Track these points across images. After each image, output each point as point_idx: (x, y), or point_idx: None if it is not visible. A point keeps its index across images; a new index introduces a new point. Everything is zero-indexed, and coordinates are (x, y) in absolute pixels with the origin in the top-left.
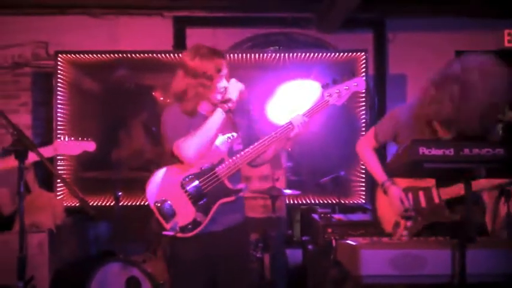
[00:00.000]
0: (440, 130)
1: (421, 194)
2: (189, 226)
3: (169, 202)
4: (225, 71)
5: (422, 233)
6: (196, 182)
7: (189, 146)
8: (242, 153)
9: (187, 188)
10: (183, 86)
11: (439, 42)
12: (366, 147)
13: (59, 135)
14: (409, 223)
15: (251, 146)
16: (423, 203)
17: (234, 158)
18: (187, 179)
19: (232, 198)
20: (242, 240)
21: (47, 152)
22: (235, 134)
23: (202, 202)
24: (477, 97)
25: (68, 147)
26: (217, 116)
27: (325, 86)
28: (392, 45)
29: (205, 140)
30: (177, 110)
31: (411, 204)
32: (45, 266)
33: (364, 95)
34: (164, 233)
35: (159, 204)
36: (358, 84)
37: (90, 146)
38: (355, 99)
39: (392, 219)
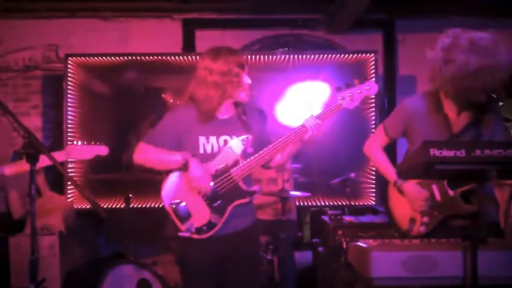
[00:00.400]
0: (449, 112)
1: (434, 188)
2: (204, 228)
3: (184, 203)
4: (246, 68)
5: (439, 228)
6: (212, 184)
7: (140, 157)
8: (256, 155)
9: None
10: (207, 87)
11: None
12: (374, 146)
13: (70, 140)
14: (425, 218)
15: (265, 149)
16: (438, 196)
17: (248, 160)
18: (213, 172)
19: (246, 199)
20: (252, 242)
21: (59, 156)
22: (249, 136)
23: (217, 204)
24: (482, 64)
25: (80, 151)
26: (175, 160)
27: (338, 89)
28: (402, 46)
29: (151, 165)
30: (187, 112)
31: (427, 196)
32: (56, 267)
33: (374, 96)
34: (180, 234)
35: (174, 206)
36: (371, 88)
37: (102, 150)
38: (365, 101)
39: (407, 216)
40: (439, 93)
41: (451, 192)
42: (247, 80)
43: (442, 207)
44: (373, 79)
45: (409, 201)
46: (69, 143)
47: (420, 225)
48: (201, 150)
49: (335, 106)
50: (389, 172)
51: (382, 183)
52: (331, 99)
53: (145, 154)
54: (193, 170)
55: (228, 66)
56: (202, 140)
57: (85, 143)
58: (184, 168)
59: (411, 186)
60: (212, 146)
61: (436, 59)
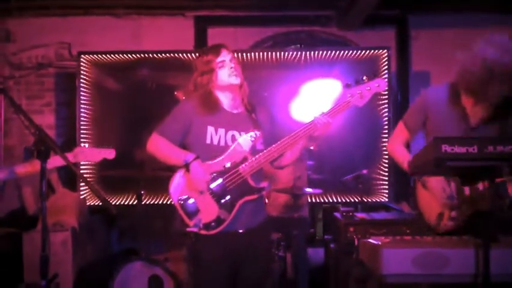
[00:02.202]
0: (467, 104)
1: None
2: (213, 224)
3: (192, 199)
4: (226, 56)
5: (468, 223)
6: (220, 180)
7: (152, 148)
8: (265, 151)
9: (211, 185)
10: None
11: (464, 39)
12: (396, 144)
13: (83, 137)
14: (453, 213)
15: (274, 145)
16: (467, 190)
17: (257, 156)
18: (212, 176)
19: (255, 196)
20: (264, 240)
21: (59, 161)
22: (258, 133)
23: (225, 200)
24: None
25: (88, 154)
26: (180, 159)
27: (347, 86)
28: (416, 42)
29: (160, 158)
30: (192, 105)
31: (454, 192)
32: (68, 263)
33: (386, 92)
34: (188, 229)
35: (182, 202)
36: (380, 85)
37: (110, 153)
38: (378, 97)
39: (435, 211)
40: (457, 85)
41: (480, 187)
42: (226, 65)
43: (471, 202)
44: (383, 76)
45: (434, 195)
46: (81, 145)
47: (448, 221)
48: (208, 140)
49: (344, 103)
50: None
51: (395, 180)
52: (340, 96)
53: (157, 146)
54: (193, 172)
55: (201, 59)
56: (210, 129)
57: (93, 146)
58: (186, 168)
59: (435, 181)
60: (219, 138)
61: (474, 67)
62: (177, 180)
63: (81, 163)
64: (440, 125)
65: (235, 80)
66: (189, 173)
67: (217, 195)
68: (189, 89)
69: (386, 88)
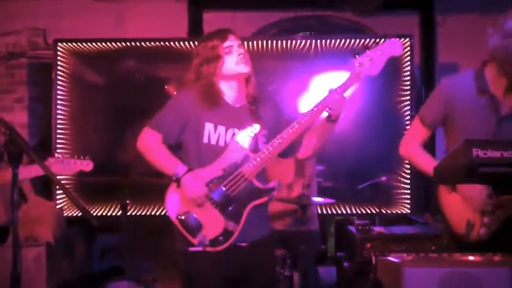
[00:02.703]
0: (497, 92)
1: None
2: (220, 238)
3: (193, 214)
4: (234, 42)
5: (503, 231)
6: (220, 187)
7: (143, 146)
8: (268, 146)
9: (211, 195)
10: (188, 74)
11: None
12: (411, 144)
13: (60, 137)
14: (486, 219)
15: (278, 137)
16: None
17: (259, 153)
18: (210, 185)
19: (265, 198)
20: (268, 256)
21: (37, 170)
22: (257, 126)
23: (231, 208)
24: None
25: (62, 165)
26: (169, 172)
27: (355, 55)
28: (442, 30)
29: (150, 161)
30: (191, 96)
31: (490, 194)
32: (42, 283)
33: (409, 88)
34: (191, 249)
35: (182, 217)
36: (394, 46)
37: (87, 165)
38: (399, 93)
39: (464, 218)
40: (483, 71)
41: None
42: (234, 51)
43: (506, 206)
44: (406, 66)
45: (467, 200)
46: (55, 154)
47: (480, 228)
48: (205, 139)
49: (354, 75)
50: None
51: (417, 188)
52: (364, 93)
53: (147, 146)
54: (186, 189)
55: (204, 45)
56: (209, 126)
57: (67, 156)
58: (177, 184)
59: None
60: (218, 137)
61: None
62: (173, 194)
63: None
64: (467, 118)
65: (244, 69)
66: (182, 189)
67: (220, 205)
68: (189, 78)
69: (405, 48)
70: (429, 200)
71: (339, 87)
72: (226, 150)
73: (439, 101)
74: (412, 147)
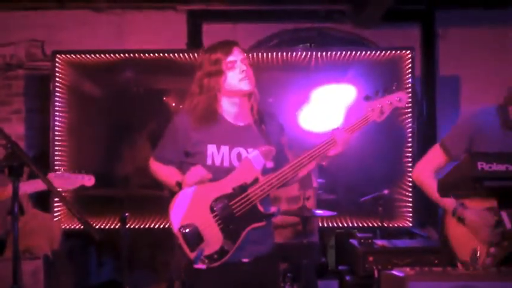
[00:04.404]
0: None
1: (504, 214)
2: (215, 256)
3: (196, 227)
4: (238, 56)
5: (508, 260)
6: (228, 205)
7: (152, 171)
8: (278, 172)
9: (218, 211)
10: (192, 86)
11: (497, 38)
12: (426, 171)
13: (57, 149)
14: (492, 249)
15: (288, 165)
16: (508, 224)
17: (269, 178)
18: (218, 201)
19: (263, 223)
20: (271, 271)
21: (38, 185)
22: (272, 149)
23: (231, 228)
24: None
25: (63, 180)
26: (171, 181)
27: (366, 99)
28: (443, 42)
29: (159, 179)
30: (188, 119)
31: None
32: None
33: (410, 100)
34: (196, 266)
35: (186, 230)
36: (401, 99)
37: (88, 180)
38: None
39: (469, 246)
40: (507, 107)
41: None
42: (237, 66)
43: None
44: (407, 85)
45: (474, 230)
46: (56, 169)
47: (486, 257)
48: (209, 161)
49: (364, 118)
50: (447, 200)
51: (420, 202)
52: (359, 109)
53: (155, 174)
54: (188, 175)
55: (207, 57)
56: (211, 148)
57: (68, 171)
58: (178, 187)
59: (475, 213)
60: (222, 158)
61: None
62: (179, 203)
63: None
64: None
65: (246, 86)
66: (184, 179)
67: (223, 223)
68: (193, 91)
69: (409, 102)
70: (431, 214)
71: (348, 127)
72: (238, 169)
73: (463, 131)
74: (427, 175)
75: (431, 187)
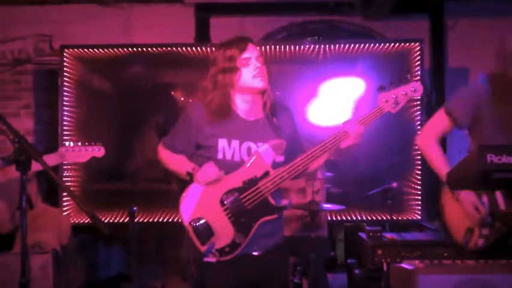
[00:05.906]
0: None
1: (498, 195)
2: (227, 249)
3: (206, 220)
4: (253, 53)
5: (500, 242)
6: (238, 198)
7: (161, 158)
8: (289, 165)
9: (228, 205)
10: (205, 82)
11: (508, 29)
12: (431, 137)
13: (64, 142)
14: (485, 230)
15: (299, 158)
16: (501, 205)
17: (280, 171)
18: (228, 195)
19: (275, 216)
20: (281, 264)
21: (51, 160)
22: (283, 142)
23: (243, 220)
24: None
25: (74, 154)
26: (182, 170)
27: (380, 89)
28: (453, 34)
29: (168, 167)
30: (201, 111)
31: (487, 210)
32: None
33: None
34: (206, 259)
35: (196, 223)
36: (416, 89)
37: (98, 151)
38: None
39: (463, 225)
40: (507, 75)
41: None
42: (251, 63)
43: (506, 218)
44: (417, 76)
45: (466, 211)
46: (65, 143)
47: (478, 238)
48: (220, 155)
49: (378, 109)
50: (446, 171)
51: (429, 195)
52: (373, 100)
53: (164, 161)
54: (199, 173)
55: (222, 53)
56: (222, 142)
57: (79, 143)
58: (190, 178)
59: (469, 198)
60: (233, 152)
61: None
62: (190, 196)
63: (65, 174)
64: (498, 120)
65: (259, 84)
66: (196, 176)
67: (234, 216)
68: (207, 86)
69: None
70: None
71: (361, 119)
72: (249, 163)
73: (470, 98)
74: (431, 142)
75: (432, 155)
